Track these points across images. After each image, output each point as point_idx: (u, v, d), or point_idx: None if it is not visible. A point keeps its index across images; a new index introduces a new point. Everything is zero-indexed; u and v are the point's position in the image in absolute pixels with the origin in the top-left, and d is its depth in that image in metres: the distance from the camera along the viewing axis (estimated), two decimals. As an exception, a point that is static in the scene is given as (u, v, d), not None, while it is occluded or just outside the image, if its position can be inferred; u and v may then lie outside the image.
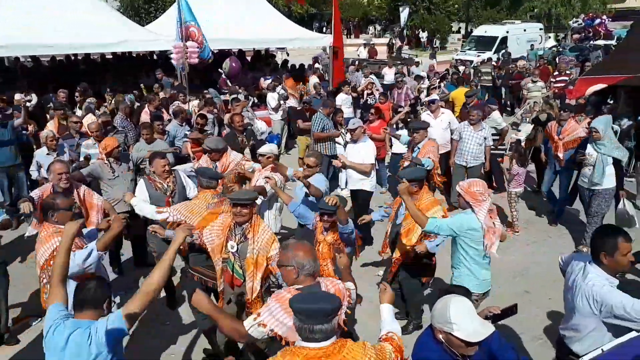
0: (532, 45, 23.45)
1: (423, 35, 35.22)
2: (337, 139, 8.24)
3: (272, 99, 10.95)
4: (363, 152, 6.46)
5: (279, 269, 2.95)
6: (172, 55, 10.83)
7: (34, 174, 6.72)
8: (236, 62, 12.82)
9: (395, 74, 14.08)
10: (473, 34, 27.82)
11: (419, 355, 2.62)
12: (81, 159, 6.56)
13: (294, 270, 2.81)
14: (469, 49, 25.31)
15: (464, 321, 2.43)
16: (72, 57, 15.70)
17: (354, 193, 6.68)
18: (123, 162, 6.00)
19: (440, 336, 2.51)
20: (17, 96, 9.85)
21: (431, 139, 6.45)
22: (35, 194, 4.81)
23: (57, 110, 8.17)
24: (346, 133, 7.79)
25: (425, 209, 4.44)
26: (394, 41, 30.13)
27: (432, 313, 2.61)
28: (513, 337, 4.79)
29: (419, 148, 6.25)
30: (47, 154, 6.55)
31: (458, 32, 39.24)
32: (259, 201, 4.94)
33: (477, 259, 3.98)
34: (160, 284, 2.72)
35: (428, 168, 5.87)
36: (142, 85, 12.13)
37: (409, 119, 8.78)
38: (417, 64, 17.46)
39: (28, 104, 8.79)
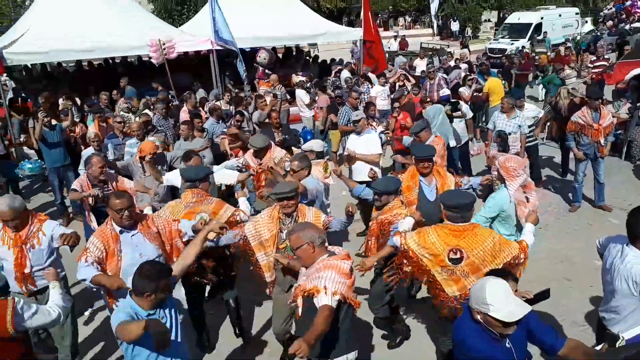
0: (545, 33, 22.89)
1: (454, 25, 34.64)
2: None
3: (304, 95, 11.07)
4: (368, 143, 6.49)
5: (296, 253, 3.18)
6: (150, 54, 10.90)
7: (82, 173, 7.05)
8: (269, 51, 13.18)
9: (427, 64, 13.99)
10: (506, 21, 27.26)
11: (458, 335, 2.70)
12: (126, 157, 6.84)
13: (309, 246, 3.08)
14: (502, 37, 24.84)
15: (500, 302, 2.49)
16: (110, 61, 16.25)
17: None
18: (157, 165, 6.17)
19: (478, 317, 2.59)
20: (61, 101, 10.33)
21: (438, 135, 6.47)
22: (73, 185, 5.34)
23: (95, 114, 8.56)
24: (377, 125, 7.85)
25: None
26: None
27: (469, 294, 2.68)
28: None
29: None
30: (93, 153, 6.86)
31: (489, 20, 38.42)
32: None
33: (508, 234, 4.26)
34: (191, 261, 3.45)
35: None
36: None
37: (451, 113, 8.55)
38: (450, 54, 17.27)
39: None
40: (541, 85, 13.91)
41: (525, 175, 4.34)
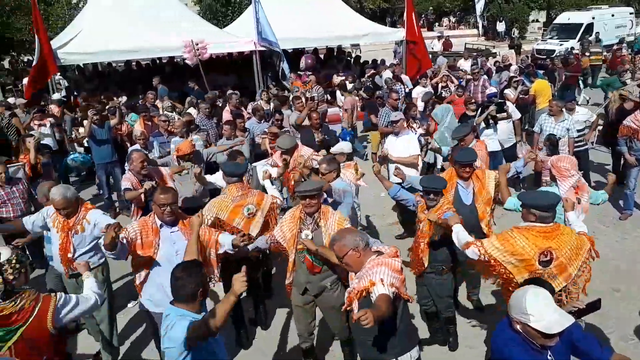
0: (597, 33, 21.96)
1: (500, 26, 33.73)
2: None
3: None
4: (406, 144, 6.42)
5: (343, 261, 3.10)
6: (185, 55, 11.06)
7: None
8: (310, 58, 13.69)
9: (472, 65, 13.71)
10: (555, 21, 26.34)
11: (496, 344, 2.63)
12: (171, 154, 7.01)
13: (354, 252, 3.02)
14: (551, 38, 24.03)
15: (540, 312, 2.41)
16: (157, 61, 16.74)
17: None
18: (195, 163, 6.24)
19: (518, 327, 2.50)
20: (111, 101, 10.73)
21: (480, 140, 6.30)
22: (124, 184, 5.44)
23: (141, 112, 8.83)
24: (418, 127, 7.74)
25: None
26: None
27: (509, 303, 2.60)
28: (600, 335, 4.61)
29: None
30: (134, 149, 7.07)
31: (537, 20, 37.23)
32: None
33: None
34: (222, 322, 2.63)
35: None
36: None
37: (495, 115, 8.21)
38: (494, 55, 16.89)
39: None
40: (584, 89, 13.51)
41: (578, 176, 4.18)
